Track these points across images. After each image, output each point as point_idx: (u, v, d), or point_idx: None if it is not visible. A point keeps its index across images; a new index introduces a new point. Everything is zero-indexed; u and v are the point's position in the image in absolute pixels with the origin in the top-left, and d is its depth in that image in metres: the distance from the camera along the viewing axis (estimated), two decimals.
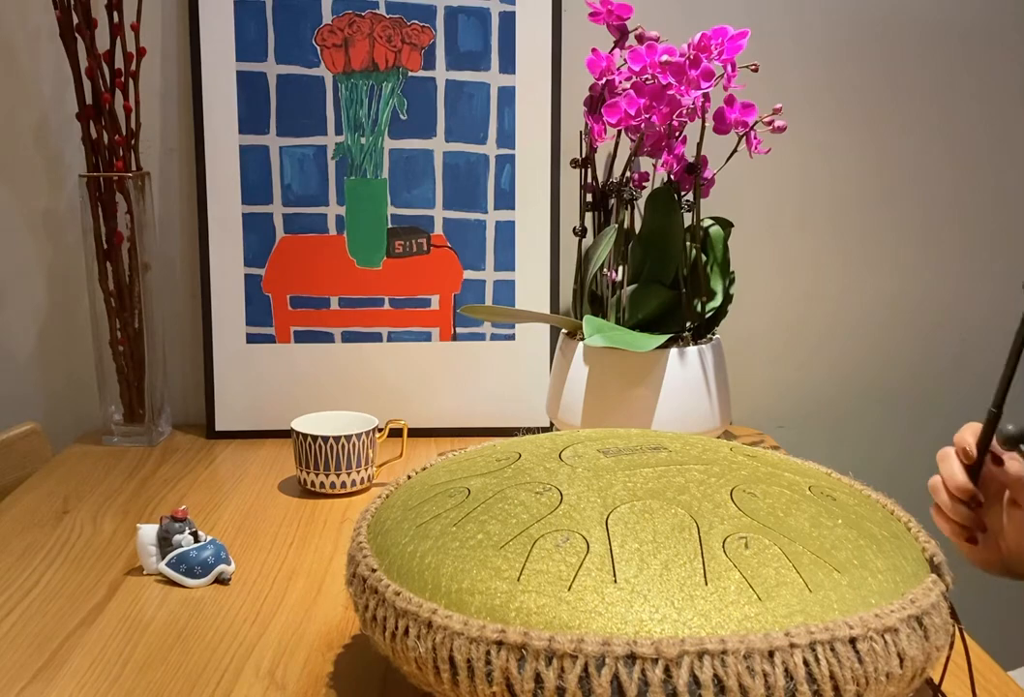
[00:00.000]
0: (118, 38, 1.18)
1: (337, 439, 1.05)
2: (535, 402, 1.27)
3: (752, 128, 1.07)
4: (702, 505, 0.60)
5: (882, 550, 0.59)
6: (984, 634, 0.83)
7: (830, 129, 1.33)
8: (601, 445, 0.70)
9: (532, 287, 1.28)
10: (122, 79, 1.19)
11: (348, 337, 1.27)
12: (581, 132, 1.14)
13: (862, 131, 1.34)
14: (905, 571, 0.58)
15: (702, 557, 0.55)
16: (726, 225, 1.17)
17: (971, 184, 1.36)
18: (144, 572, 0.88)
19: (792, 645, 0.50)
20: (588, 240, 1.16)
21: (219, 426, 1.28)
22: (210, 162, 1.23)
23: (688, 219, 1.12)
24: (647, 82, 1.05)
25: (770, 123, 1.07)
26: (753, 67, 1.07)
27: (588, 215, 1.17)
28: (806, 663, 0.50)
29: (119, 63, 1.19)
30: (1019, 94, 1.34)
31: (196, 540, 0.87)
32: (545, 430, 0.83)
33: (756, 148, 1.07)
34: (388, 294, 1.27)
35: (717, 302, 1.15)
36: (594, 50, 1.09)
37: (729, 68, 1.05)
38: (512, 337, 1.29)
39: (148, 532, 0.87)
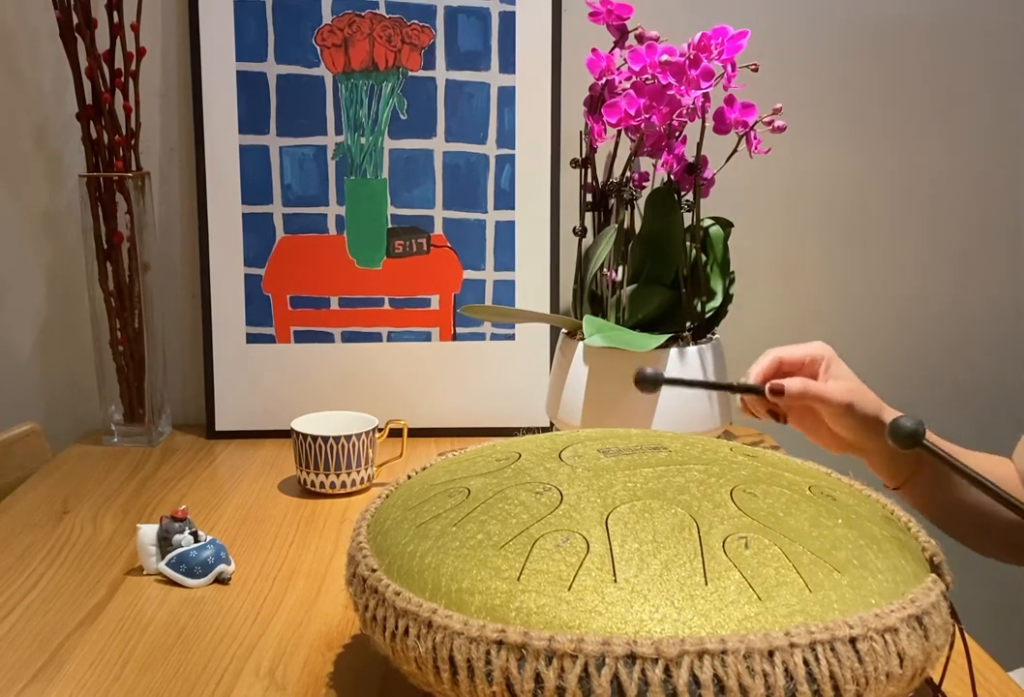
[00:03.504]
0: (118, 38, 1.18)
1: (337, 439, 1.05)
2: (535, 402, 1.27)
3: (752, 128, 1.07)
4: (702, 505, 0.60)
5: (882, 550, 0.59)
6: (984, 634, 0.83)
7: (830, 129, 1.33)
8: (601, 445, 0.70)
9: (532, 287, 1.28)
10: (122, 79, 1.19)
11: (348, 337, 1.27)
12: (581, 132, 1.14)
13: (863, 131, 1.34)
14: (905, 571, 0.58)
15: (702, 557, 0.55)
16: (726, 225, 1.17)
17: (973, 183, 1.37)
18: (144, 572, 0.88)
19: (792, 645, 0.50)
20: (588, 240, 1.16)
21: (219, 426, 1.28)
22: (210, 162, 1.23)
23: (688, 219, 1.12)
24: (647, 82, 1.05)
25: (770, 123, 1.07)
26: (753, 67, 1.07)
27: (588, 215, 1.17)
28: (806, 663, 0.50)
29: (119, 63, 1.19)
30: (1021, 94, 1.34)
31: (196, 540, 0.87)
32: (545, 430, 0.83)
33: (756, 148, 1.07)
34: (388, 294, 1.27)
35: (717, 302, 1.15)
36: (594, 50, 1.09)
37: (729, 68, 1.05)
38: (512, 337, 1.28)
39: (148, 532, 0.87)
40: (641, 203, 1.15)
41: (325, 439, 1.05)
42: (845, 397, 0.80)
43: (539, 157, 1.25)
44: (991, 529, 0.86)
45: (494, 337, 1.29)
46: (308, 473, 1.06)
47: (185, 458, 1.20)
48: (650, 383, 0.76)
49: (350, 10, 1.22)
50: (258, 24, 1.21)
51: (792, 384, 0.79)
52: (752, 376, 0.83)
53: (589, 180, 1.15)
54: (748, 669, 0.49)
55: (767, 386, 0.80)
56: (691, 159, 1.10)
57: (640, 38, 1.09)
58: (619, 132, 1.11)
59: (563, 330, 1.17)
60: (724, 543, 0.56)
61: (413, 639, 0.55)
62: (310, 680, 0.71)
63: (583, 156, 1.15)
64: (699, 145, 1.09)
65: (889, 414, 0.83)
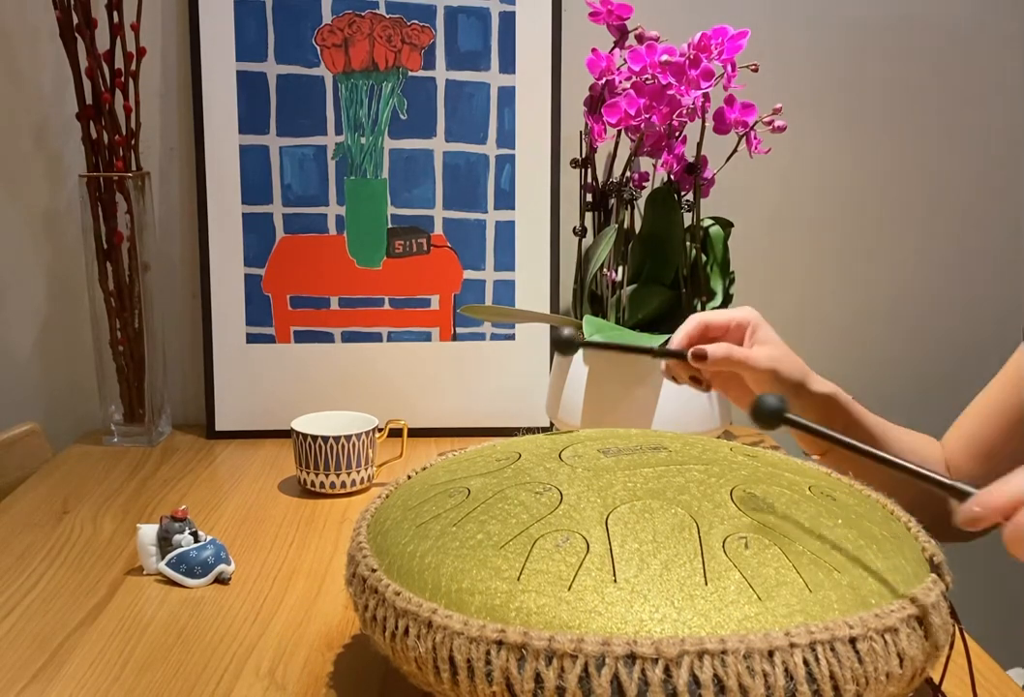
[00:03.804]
0: (118, 38, 1.18)
1: (337, 439, 1.05)
2: (535, 402, 1.27)
3: (752, 128, 1.07)
4: (702, 505, 0.60)
5: (882, 550, 0.59)
6: (984, 634, 0.83)
7: (830, 129, 1.33)
8: (601, 445, 0.70)
9: (532, 287, 1.28)
10: (122, 79, 1.19)
11: (348, 337, 1.27)
12: (581, 132, 1.14)
13: (862, 131, 1.34)
14: (905, 571, 0.58)
15: (702, 557, 0.55)
16: (726, 225, 1.17)
17: (973, 183, 1.37)
18: (144, 572, 0.88)
19: (792, 645, 0.50)
20: (588, 240, 1.16)
21: (219, 426, 1.28)
22: (210, 162, 1.23)
23: (688, 219, 1.12)
24: (647, 82, 1.05)
25: (770, 123, 1.07)
26: (753, 67, 1.07)
27: (588, 215, 1.17)
28: (806, 663, 0.50)
29: (119, 63, 1.19)
30: (1020, 94, 1.34)
31: (196, 540, 0.87)
32: (545, 430, 0.83)
33: (756, 148, 1.07)
34: (388, 294, 1.27)
35: (717, 302, 1.15)
36: (594, 50, 1.09)
37: (729, 68, 1.05)
38: (512, 337, 1.28)
39: (148, 532, 0.87)
40: (641, 203, 1.15)
41: (325, 439, 1.05)
42: (768, 363, 0.79)
43: (539, 157, 1.25)
44: (913, 502, 0.85)
45: (494, 337, 1.29)
46: (308, 473, 1.06)
47: (185, 458, 1.20)
48: (566, 346, 0.75)
49: (350, 10, 1.22)
50: (258, 24, 1.21)
51: (715, 349, 0.78)
52: (676, 341, 0.81)
53: (589, 180, 1.15)
54: (748, 669, 0.49)
55: (690, 351, 0.78)
56: (691, 159, 1.10)
57: (640, 38, 1.09)
58: (619, 132, 1.11)
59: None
60: (724, 543, 0.56)
61: (413, 639, 0.55)
62: (310, 680, 0.71)
63: (583, 156, 1.15)
64: (699, 145, 1.09)
65: (815, 380, 0.82)
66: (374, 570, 0.61)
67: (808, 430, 0.57)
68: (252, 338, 1.27)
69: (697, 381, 0.83)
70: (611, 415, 1.08)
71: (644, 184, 1.15)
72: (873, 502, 0.68)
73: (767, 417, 0.57)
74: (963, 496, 0.52)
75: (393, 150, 1.24)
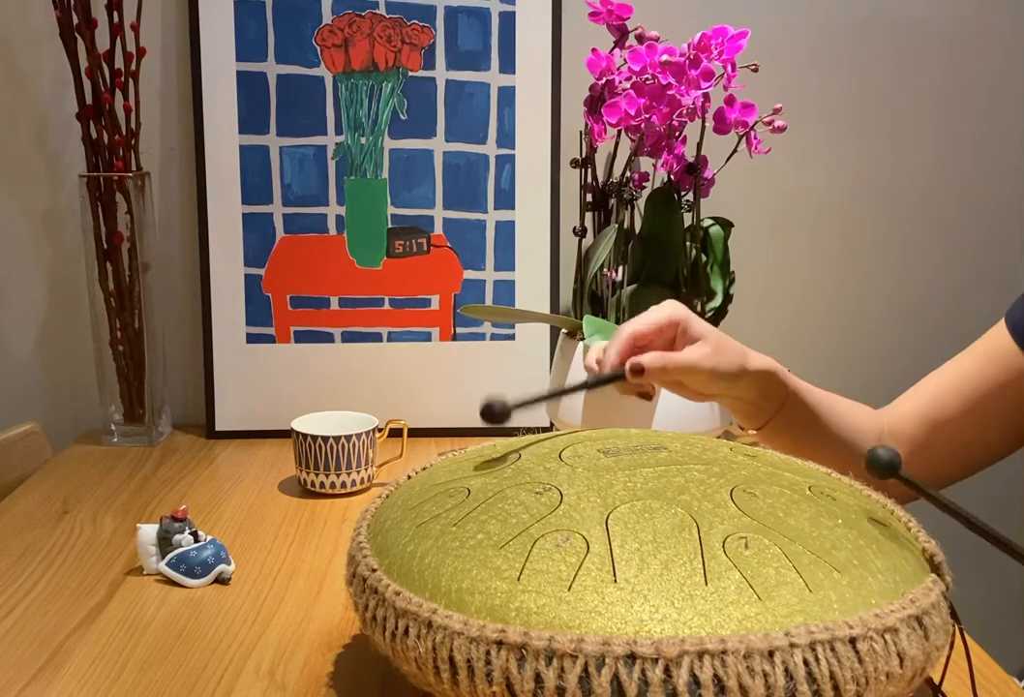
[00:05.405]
0: (118, 38, 1.18)
1: (337, 439, 1.05)
2: None
3: (752, 128, 1.07)
4: (702, 505, 0.60)
5: (882, 550, 0.59)
6: (984, 634, 0.83)
7: (830, 129, 1.33)
8: (601, 445, 0.70)
9: (532, 287, 1.27)
10: (122, 79, 1.19)
11: (348, 337, 1.27)
12: (581, 132, 1.14)
13: (862, 131, 1.34)
14: (905, 571, 0.58)
15: (702, 557, 0.55)
16: (726, 225, 1.17)
17: (974, 184, 1.37)
18: (144, 572, 0.88)
19: (792, 645, 0.50)
20: (588, 240, 1.16)
21: (219, 426, 1.28)
22: (210, 162, 1.23)
23: (688, 219, 1.12)
24: (647, 82, 1.05)
25: (770, 123, 1.07)
26: (753, 67, 1.07)
27: (588, 215, 1.17)
28: (806, 663, 0.50)
29: (119, 63, 1.19)
30: (1019, 95, 1.34)
31: (196, 540, 0.87)
32: (545, 430, 0.83)
33: (756, 148, 1.07)
34: (388, 294, 1.27)
35: (717, 302, 1.15)
36: (594, 50, 1.09)
37: (729, 68, 1.05)
38: (512, 337, 1.28)
39: (148, 532, 0.87)
40: (641, 203, 1.15)
41: (325, 439, 1.05)
42: (706, 362, 0.76)
43: (539, 157, 1.25)
44: (847, 471, 0.84)
45: (494, 337, 1.28)
46: (308, 473, 1.06)
47: (185, 458, 1.20)
48: (498, 417, 0.69)
49: (350, 10, 1.22)
50: (258, 24, 1.21)
51: (651, 362, 0.74)
52: (609, 360, 0.76)
53: (589, 180, 1.15)
54: (748, 669, 0.49)
55: (627, 367, 0.74)
56: (691, 159, 1.10)
57: (640, 38, 1.09)
58: (619, 132, 1.11)
59: (563, 330, 1.17)
60: (724, 543, 0.56)
61: (413, 639, 0.55)
62: (310, 680, 0.71)
63: (583, 156, 1.15)
64: (699, 145, 1.09)
65: (752, 359, 0.79)
66: (374, 570, 0.61)
67: (920, 490, 0.61)
68: (252, 338, 1.27)
69: (644, 394, 0.80)
70: (611, 415, 1.08)
71: (644, 184, 1.15)
72: (873, 502, 0.68)
73: (881, 470, 0.62)
74: None
75: (393, 150, 1.24)
